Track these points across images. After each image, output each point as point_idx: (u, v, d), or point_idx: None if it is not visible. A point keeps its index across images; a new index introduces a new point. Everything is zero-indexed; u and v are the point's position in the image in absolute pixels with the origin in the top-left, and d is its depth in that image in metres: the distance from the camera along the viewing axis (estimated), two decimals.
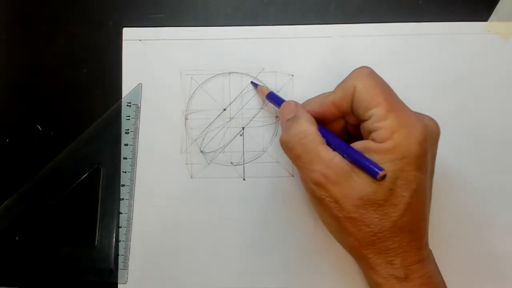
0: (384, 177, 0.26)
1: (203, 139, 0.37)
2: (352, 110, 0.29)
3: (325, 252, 0.36)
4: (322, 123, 0.31)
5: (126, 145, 0.38)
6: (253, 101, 0.38)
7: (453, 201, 0.37)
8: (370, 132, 0.28)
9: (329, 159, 0.28)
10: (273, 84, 0.37)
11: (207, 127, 0.38)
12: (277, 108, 0.35)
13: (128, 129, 0.38)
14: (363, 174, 0.27)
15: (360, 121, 0.29)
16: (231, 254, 0.37)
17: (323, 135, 0.29)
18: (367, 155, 0.27)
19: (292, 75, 0.38)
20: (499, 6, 0.38)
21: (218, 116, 0.38)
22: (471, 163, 0.37)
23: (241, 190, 0.37)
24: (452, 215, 0.37)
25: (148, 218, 0.37)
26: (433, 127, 0.29)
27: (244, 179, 0.37)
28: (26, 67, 0.38)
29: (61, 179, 0.37)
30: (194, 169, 0.37)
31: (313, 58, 0.38)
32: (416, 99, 0.37)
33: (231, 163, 0.37)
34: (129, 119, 0.38)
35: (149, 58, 0.38)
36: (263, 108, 0.38)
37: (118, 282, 0.37)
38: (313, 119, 0.30)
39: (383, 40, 0.37)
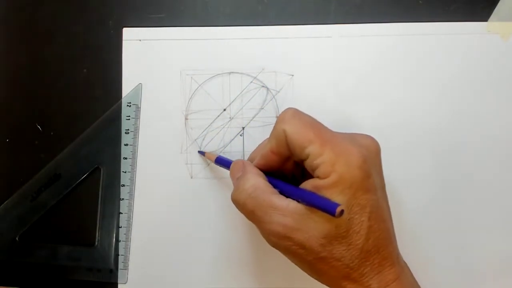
0: (342, 212, 0.26)
1: (203, 139, 0.37)
2: (291, 153, 0.29)
3: None
4: (272, 170, 0.31)
5: (126, 145, 0.38)
6: (253, 101, 0.38)
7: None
8: (313, 169, 0.28)
9: (284, 207, 0.28)
10: (273, 84, 0.37)
11: (207, 127, 0.38)
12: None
13: (128, 129, 0.38)
14: (320, 213, 0.27)
15: (301, 160, 0.29)
16: (231, 254, 0.37)
17: (274, 185, 0.29)
18: (318, 193, 0.27)
19: (292, 75, 0.38)
20: (499, 6, 0.38)
21: (218, 116, 0.38)
22: (474, 162, 0.37)
23: None
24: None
25: (148, 218, 0.37)
26: (370, 145, 0.29)
27: None
28: (26, 67, 0.38)
29: (61, 179, 0.37)
30: (194, 169, 0.37)
31: (313, 58, 0.38)
32: (416, 99, 0.37)
33: None
34: (129, 119, 0.38)
35: (149, 58, 0.38)
36: (263, 108, 0.38)
37: (118, 282, 0.37)
38: (260, 172, 0.30)
39: (383, 40, 0.37)
